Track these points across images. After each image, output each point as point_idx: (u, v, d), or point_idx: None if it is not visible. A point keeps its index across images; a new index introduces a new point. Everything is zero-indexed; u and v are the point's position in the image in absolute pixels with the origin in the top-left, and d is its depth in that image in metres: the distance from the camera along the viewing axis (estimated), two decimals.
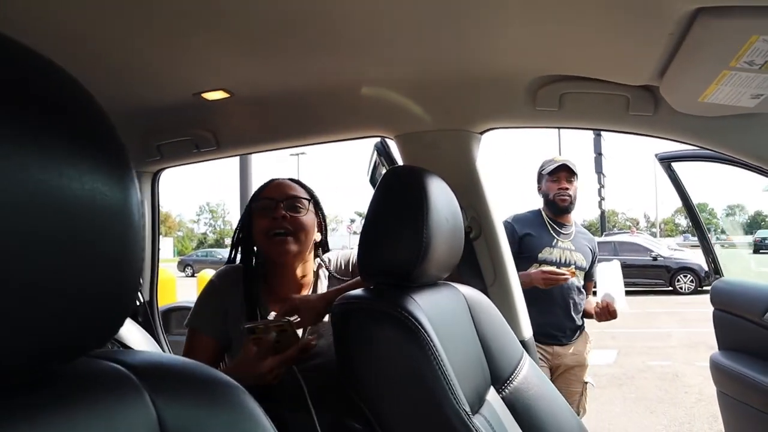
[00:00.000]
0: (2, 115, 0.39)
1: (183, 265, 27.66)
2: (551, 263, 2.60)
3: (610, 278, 2.55)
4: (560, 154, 2.73)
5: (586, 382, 2.69)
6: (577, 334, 2.66)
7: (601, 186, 19.40)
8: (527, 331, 1.80)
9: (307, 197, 1.54)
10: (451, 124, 1.71)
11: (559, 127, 1.71)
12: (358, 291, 1.22)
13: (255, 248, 1.57)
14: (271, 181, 1.58)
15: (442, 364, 1.03)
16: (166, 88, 1.72)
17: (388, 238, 1.17)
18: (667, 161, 2.51)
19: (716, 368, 2.28)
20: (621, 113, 1.53)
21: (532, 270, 2.53)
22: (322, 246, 1.64)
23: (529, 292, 2.45)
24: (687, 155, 2.45)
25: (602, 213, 21.24)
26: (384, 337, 1.07)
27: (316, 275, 1.59)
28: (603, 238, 15.65)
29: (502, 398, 1.33)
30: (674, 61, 1.24)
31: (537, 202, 2.80)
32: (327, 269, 1.60)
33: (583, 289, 2.68)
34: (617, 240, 15.24)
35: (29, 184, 0.40)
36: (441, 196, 1.23)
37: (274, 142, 1.98)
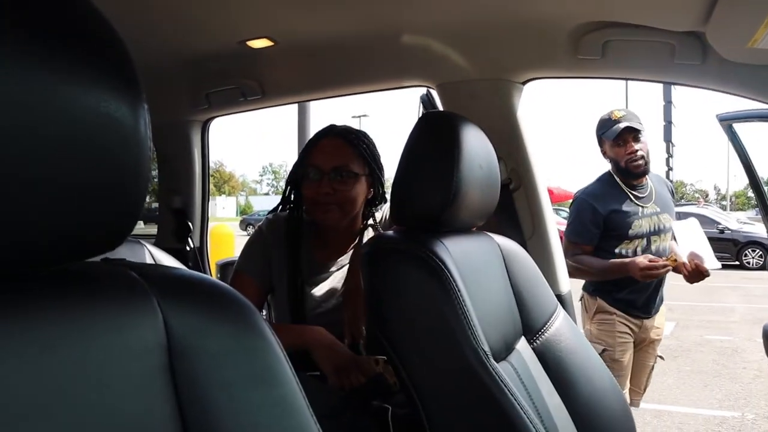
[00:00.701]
0: (18, 25, 0.41)
1: (245, 224, 28.43)
2: (643, 236, 2.41)
3: (691, 236, 2.34)
4: (626, 108, 2.44)
5: (659, 356, 2.67)
6: (661, 303, 2.57)
7: (670, 155, 18.68)
8: (564, 285, 1.77)
9: (355, 168, 1.48)
10: (492, 74, 1.67)
11: (601, 77, 1.64)
12: (390, 232, 1.22)
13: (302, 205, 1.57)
14: (322, 136, 1.53)
15: (463, 304, 1.03)
16: (211, 37, 1.75)
17: (419, 182, 1.17)
18: (728, 122, 2.38)
19: None
20: (666, 62, 1.46)
21: (628, 257, 2.37)
22: (377, 200, 1.61)
23: None
24: (750, 115, 2.31)
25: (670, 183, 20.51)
26: (408, 277, 1.08)
27: (363, 230, 1.60)
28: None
29: (533, 349, 1.32)
30: (719, 3, 1.17)
31: (587, 157, 2.63)
32: (375, 225, 1.60)
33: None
34: (683, 211, 14.73)
35: (40, 89, 0.41)
36: (475, 142, 1.21)
37: (317, 91, 1.99)
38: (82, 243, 0.49)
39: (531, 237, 1.71)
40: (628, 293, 2.44)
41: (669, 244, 2.48)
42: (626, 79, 1.62)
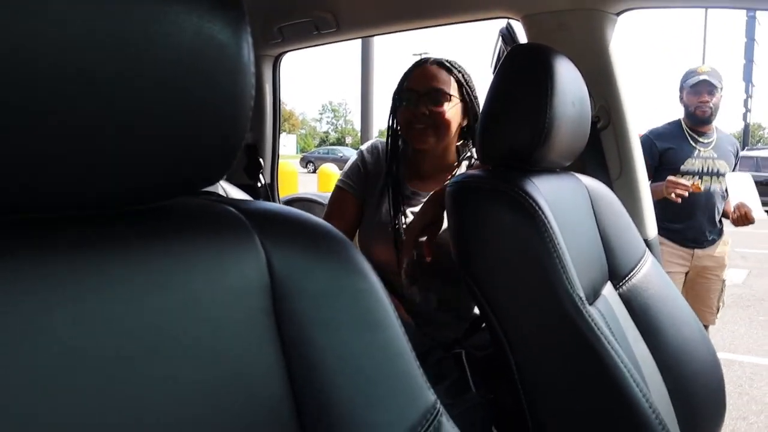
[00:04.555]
0: None
1: (305, 162, 28.68)
2: (694, 174, 2.70)
3: (743, 188, 2.63)
4: (704, 62, 2.74)
5: (724, 280, 2.85)
6: (717, 238, 2.80)
7: (749, 96, 17.73)
8: (652, 230, 1.70)
9: (450, 91, 1.49)
10: (583, 3, 1.55)
11: (705, 6, 1.52)
12: (476, 171, 1.18)
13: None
14: (419, 65, 1.55)
15: (558, 247, 0.99)
16: None
17: (509, 119, 1.11)
18: None
19: None
20: None
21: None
22: (472, 132, 1.60)
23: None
24: None
25: (746, 126, 19.52)
26: (499, 217, 1.04)
27: (459, 160, 1.59)
28: (744, 153, 14.46)
29: (619, 294, 1.27)
30: None
31: (671, 95, 2.85)
32: (471, 156, 1.60)
33: (724, 194, 2.77)
34: (760, 155, 14.00)
35: (126, 14, 0.38)
36: (568, 77, 1.14)
37: (393, 24, 1.92)
38: (185, 175, 0.47)
39: (618, 178, 1.63)
40: (680, 225, 2.73)
41: (720, 187, 2.74)
42: (732, 8, 1.49)
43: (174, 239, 0.48)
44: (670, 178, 2.54)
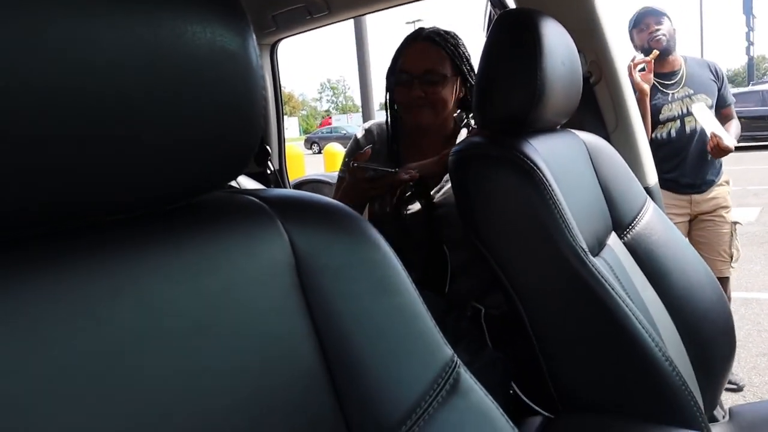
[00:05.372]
0: None
1: (309, 143, 28.53)
2: (675, 118, 2.61)
3: (708, 116, 2.52)
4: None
5: (735, 222, 2.73)
6: (714, 180, 2.69)
7: (750, 29, 17.41)
8: (652, 178, 1.74)
9: (444, 70, 1.50)
10: None
11: None
12: (476, 137, 1.22)
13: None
14: (411, 42, 1.54)
15: (558, 203, 1.04)
16: None
17: (502, 83, 1.15)
18: None
19: None
20: None
21: (665, 140, 2.60)
22: (469, 100, 1.61)
23: (662, 147, 2.59)
24: None
25: (750, 59, 19.20)
26: (500, 180, 1.09)
27: (456, 133, 1.62)
28: (750, 88, 14.29)
29: (624, 243, 1.32)
30: None
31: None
32: (468, 124, 1.62)
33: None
34: (766, 89, 13.84)
35: (157, 26, 0.43)
36: (556, 37, 1.17)
37: (382, 1, 1.94)
38: (209, 174, 0.52)
39: (615, 130, 1.67)
40: (672, 174, 2.65)
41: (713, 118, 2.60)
42: None
43: (206, 232, 0.53)
44: (628, 65, 2.47)
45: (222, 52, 0.47)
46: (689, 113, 2.58)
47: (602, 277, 1.02)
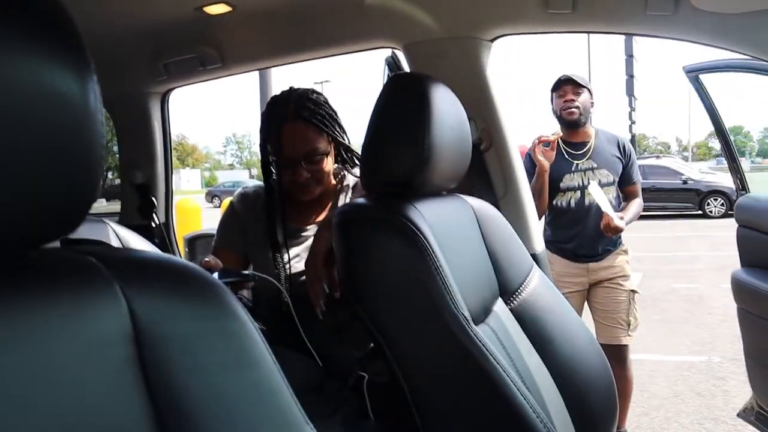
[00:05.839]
0: None
1: (211, 196, 28.11)
2: (575, 189, 2.64)
3: (601, 195, 2.56)
4: (589, 71, 2.72)
5: (633, 291, 2.75)
6: (612, 249, 2.72)
7: (632, 109, 18.87)
8: (539, 245, 1.77)
9: (322, 145, 1.49)
10: (459, 31, 1.63)
11: (573, 32, 1.62)
12: (360, 200, 1.20)
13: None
14: (284, 120, 1.47)
15: (441, 269, 1.01)
16: (166, 3, 1.69)
17: (389, 147, 1.14)
18: (694, 73, 2.40)
19: (738, 285, 2.24)
20: (638, 14, 1.44)
21: (563, 208, 2.63)
22: (340, 156, 1.60)
23: (562, 215, 2.65)
24: (715, 66, 2.33)
25: (633, 137, 20.72)
26: (382, 244, 1.06)
27: (339, 191, 1.60)
28: None
29: (510, 310, 1.32)
30: None
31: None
32: (348, 190, 1.61)
33: (615, 201, 2.68)
34: (647, 164, 14.97)
35: None
36: (445, 103, 1.18)
37: (279, 57, 1.94)
38: (38, 228, 0.46)
39: (504, 197, 1.70)
40: (571, 244, 2.69)
41: (610, 197, 2.65)
42: (597, 32, 1.60)
43: (29, 295, 0.46)
44: (534, 141, 2.54)
45: (50, 88, 0.42)
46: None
47: (484, 346, 0.99)
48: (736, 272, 2.27)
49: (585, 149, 2.68)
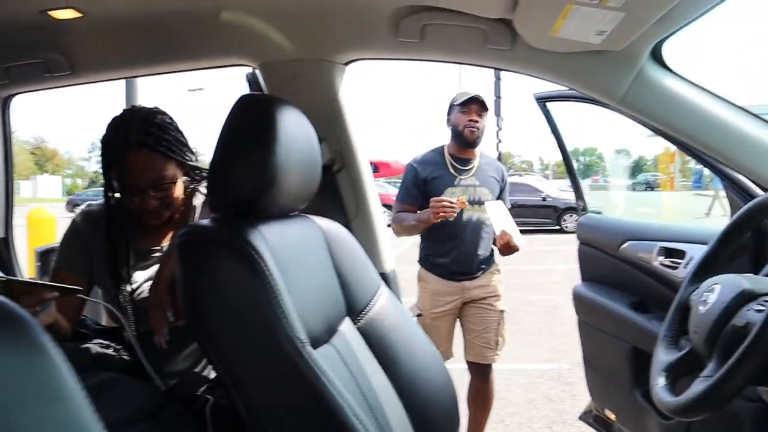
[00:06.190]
0: None
1: (72, 205, 26.28)
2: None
3: (501, 215, 2.60)
4: (461, 90, 2.72)
5: (503, 311, 2.80)
6: (486, 267, 2.78)
7: (499, 129, 19.90)
8: (389, 264, 1.82)
9: (170, 172, 1.44)
10: (313, 54, 1.66)
11: (421, 60, 1.70)
12: (204, 221, 1.18)
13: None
14: (126, 148, 1.39)
15: (278, 293, 1.01)
16: (8, 4, 1.58)
17: (234, 168, 1.13)
18: (543, 101, 2.57)
19: (578, 299, 2.41)
20: (479, 47, 1.53)
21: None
22: (196, 172, 1.56)
23: (439, 229, 2.63)
24: (560, 95, 2.50)
25: (499, 155, 21.85)
26: (222, 267, 1.05)
27: (187, 212, 1.56)
28: None
29: (358, 329, 1.34)
30: None
31: (414, 139, 2.86)
32: (196, 209, 1.57)
33: (490, 222, 2.69)
34: (510, 181, 15.69)
35: None
36: (294, 125, 1.19)
37: (131, 68, 1.87)
38: None
39: (355, 217, 1.73)
40: (445, 259, 2.71)
41: (483, 216, 2.70)
42: (444, 62, 1.68)
43: None
44: (433, 199, 2.49)
45: None
46: (470, 202, 2.63)
47: (318, 368, 1.00)
48: (576, 286, 2.44)
49: (470, 167, 2.75)
